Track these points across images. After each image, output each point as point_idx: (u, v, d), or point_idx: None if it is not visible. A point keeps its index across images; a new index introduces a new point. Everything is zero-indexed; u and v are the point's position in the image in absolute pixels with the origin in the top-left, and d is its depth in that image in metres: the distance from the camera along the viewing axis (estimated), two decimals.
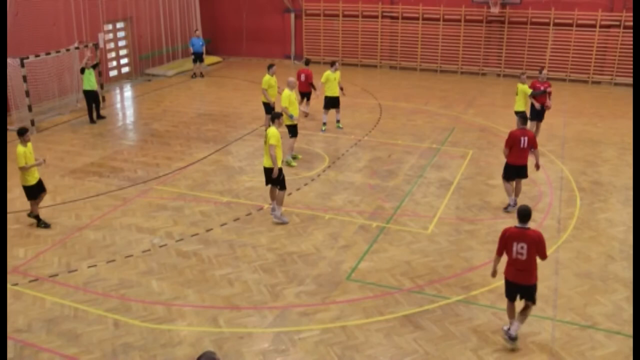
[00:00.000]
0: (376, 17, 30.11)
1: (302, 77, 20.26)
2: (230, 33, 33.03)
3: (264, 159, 13.25)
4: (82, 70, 20.76)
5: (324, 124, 20.00)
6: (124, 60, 28.40)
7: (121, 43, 28.15)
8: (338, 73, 19.65)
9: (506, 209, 13.98)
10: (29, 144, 13.01)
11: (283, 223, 13.34)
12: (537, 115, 17.82)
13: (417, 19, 29.33)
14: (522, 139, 13.37)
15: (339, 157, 17.39)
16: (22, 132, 12.86)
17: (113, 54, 27.72)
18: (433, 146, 18.44)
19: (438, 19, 29.00)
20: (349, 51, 31.00)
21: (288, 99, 16.09)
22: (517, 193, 14.09)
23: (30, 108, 19.85)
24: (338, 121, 20.23)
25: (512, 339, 9.20)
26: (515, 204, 13.76)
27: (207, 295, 10.70)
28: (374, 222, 13.47)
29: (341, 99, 19.95)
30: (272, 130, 12.97)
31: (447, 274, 11.37)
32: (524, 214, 9.00)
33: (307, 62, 21.03)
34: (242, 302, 10.49)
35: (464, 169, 16.53)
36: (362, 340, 9.46)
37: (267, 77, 18.23)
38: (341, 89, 19.93)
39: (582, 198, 14.74)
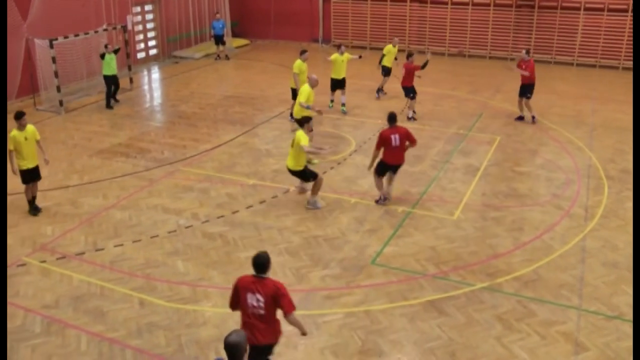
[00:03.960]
0: (405, 0, 29.85)
1: (403, 72, 19.71)
2: (258, 16, 32.95)
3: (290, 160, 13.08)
4: (103, 56, 20.55)
5: (332, 101, 20.23)
6: (151, 43, 28.48)
7: (149, 25, 28.23)
8: (346, 55, 19.94)
9: (377, 202, 13.50)
10: (29, 128, 12.83)
11: (317, 208, 13.27)
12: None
13: (446, 3, 29.06)
14: (392, 137, 12.94)
15: (365, 141, 17.32)
16: (17, 116, 12.64)
17: (141, 36, 27.82)
18: (460, 132, 18.31)
19: (467, 3, 28.70)
20: (377, 35, 30.77)
21: (307, 96, 15.72)
22: (390, 181, 13.62)
23: (58, 89, 20.03)
24: (343, 104, 20.25)
25: None
26: (387, 196, 13.53)
27: (232, 276, 10.67)
28: (399, 206, 13.42)
29: (366, 81, 19.94)
30: (300, 134, 12.85)
31: (472, 260, 11.31)
32: (258, 263, 7.18)
33: (410, 55, 20.00)
34: None
35: (491, 155, 16.40)
36: (386, 325, 9.46)
37: (299, 62, 18.20)
38: (360, 57, 21.02)
39: (610, 186, 14.54)
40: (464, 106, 20.95)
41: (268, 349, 7.46)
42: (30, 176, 13.01)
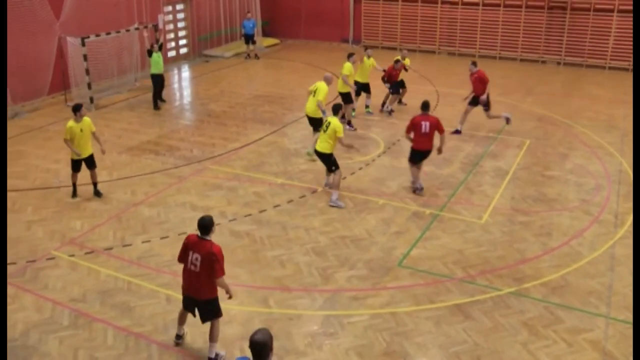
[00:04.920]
0: (436, 2, 29.70)
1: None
2: (289, 15, 32.98)
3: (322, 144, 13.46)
4: (150, 53, 20.33)
5: (353, 109, 19.59)
6: (182, 42, 28.67)
7: (180, 24, 28.43)
8: (372, 60, 19.82)
9: (414, 191, 14.10)
10: (85, 120, 13.28)
11: (339, 207, 13.39)
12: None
13: (477, 4, 28.85)
14: (423, 124, 13.69)
15: (394, 142, 17.27)
16: (76, 109, 13.19)
17: (172, 35, 28.00)
18: (489, 135, 18.17)
19: (498, 5, 28.46)
20: (408, 36, 30.67)
21: (325, 94, 15.95)
22: (419, 168, 14.34)
23: (89, 86, 20.25)
24: (367, 106, 20.32)
25: (178, 336, 9.07)
26: (422, 187, 14.18)
27: (258, 275, 10.78)
28: (427, 209, 13.36)
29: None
30: (335, 121, 13.33)
31: (500, 264, 11.22)
32: (202, 224, 8.23)
33: (401, 58, 20.51)
34: (293, 283, 10.55)
35: (520, 159, 16.25)
36: (412, 327, 9.42)
37: (348, 64, 18.46)
38: (384, 70, 20.26)
39: None
40: (494, 109, 20.72)
41: (206, 304, 8.41)
42: (80, 165, 13.52)
